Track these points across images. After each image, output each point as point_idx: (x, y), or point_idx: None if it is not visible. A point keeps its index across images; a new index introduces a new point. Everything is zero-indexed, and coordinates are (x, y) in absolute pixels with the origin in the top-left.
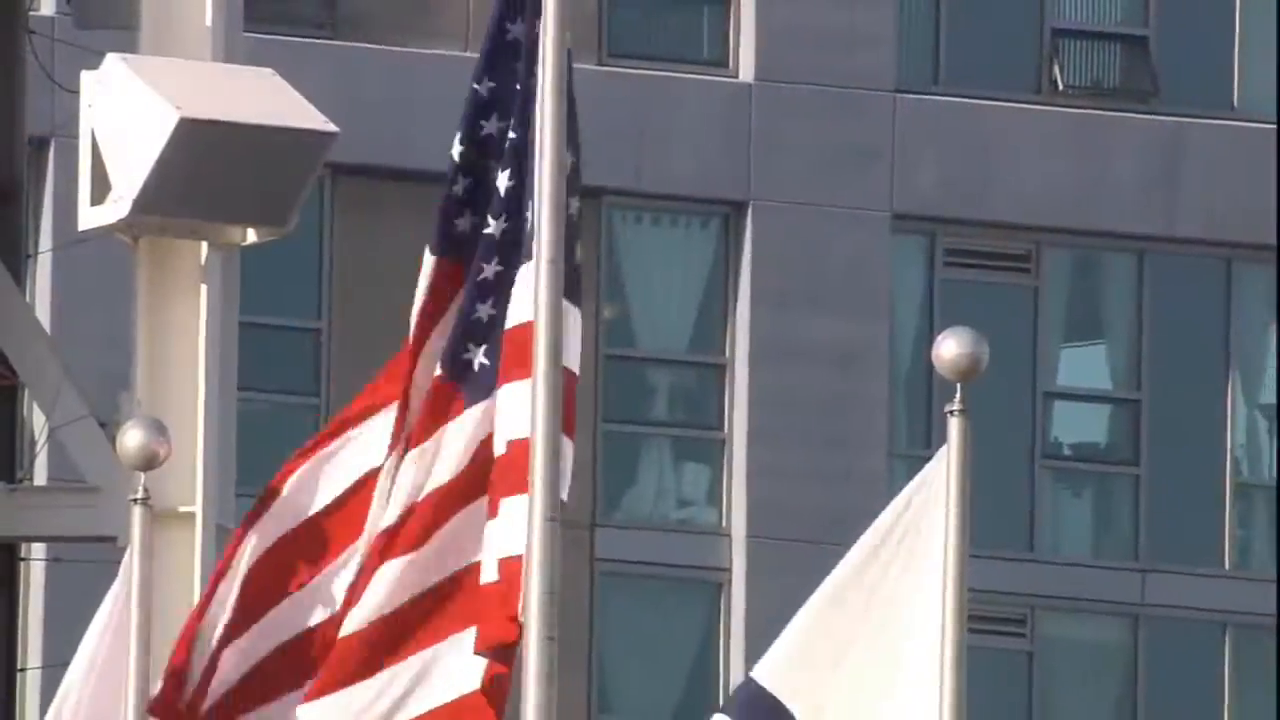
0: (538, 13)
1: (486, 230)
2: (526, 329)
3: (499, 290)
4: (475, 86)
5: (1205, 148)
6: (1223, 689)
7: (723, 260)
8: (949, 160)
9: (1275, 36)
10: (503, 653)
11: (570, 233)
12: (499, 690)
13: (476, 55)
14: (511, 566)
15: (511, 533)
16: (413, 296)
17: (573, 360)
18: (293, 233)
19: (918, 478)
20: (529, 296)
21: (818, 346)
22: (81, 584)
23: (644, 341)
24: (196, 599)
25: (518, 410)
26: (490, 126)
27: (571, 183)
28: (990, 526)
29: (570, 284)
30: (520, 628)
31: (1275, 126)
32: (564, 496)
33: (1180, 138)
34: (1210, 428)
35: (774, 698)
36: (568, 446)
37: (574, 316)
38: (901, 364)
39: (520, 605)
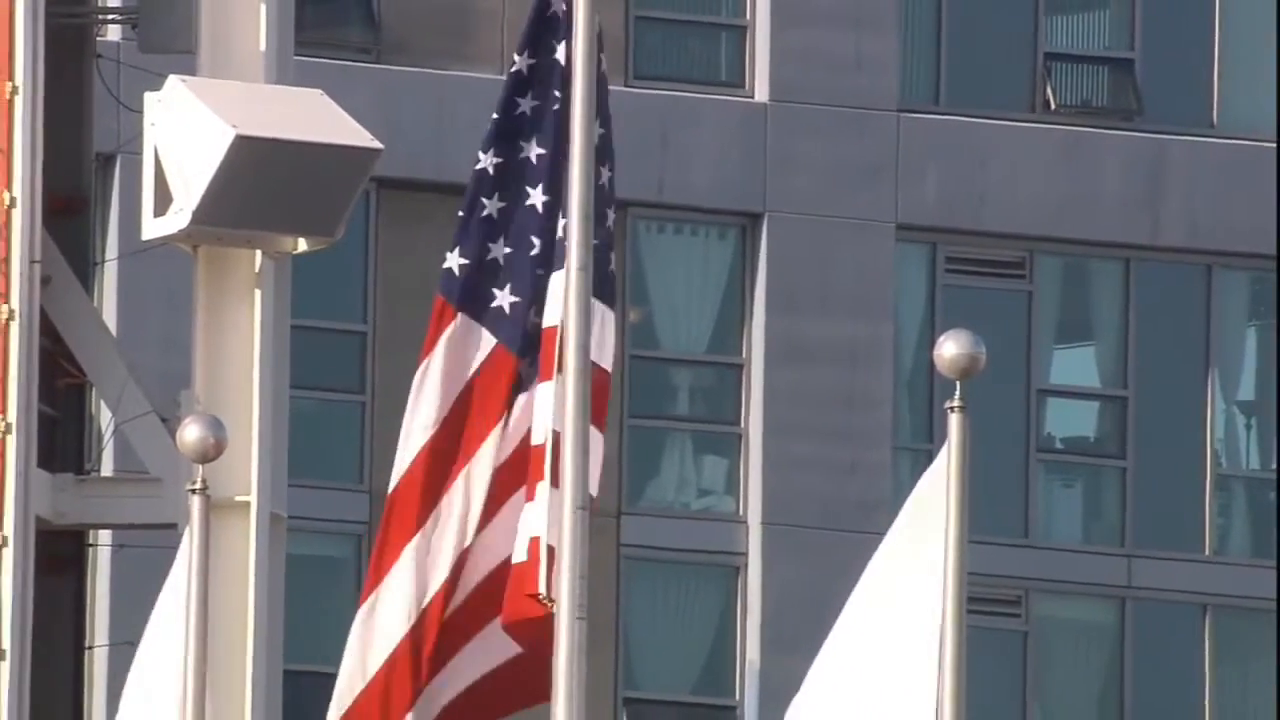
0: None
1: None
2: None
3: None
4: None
5: (1186, 163)
6: (1203, 666)
7: (739, 267)
8: (949, 174)
9: (1275, 60)
10: (525, 628)
11: (606, 241)
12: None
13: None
14: (536, 546)
15: (541, 516)
16: None
17: (606, 358)
18: (340, 242)
19: (923, 478)
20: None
21: (827, 347)
22: (144, 568)
23: (666, 343)
24: (251, 581)
25: (554, 405)
26: (529, 150)
27: (607, 195)
28: (988, 514)
29: (605, 288)
30: (541, 605)
31: (1255, 143)
32: (593, 489)
33: (1163, 153)
34: (1192, 423)
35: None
36: (597, 439)
37: (608, 318)
38: (905, 363)
39: (541, 584)
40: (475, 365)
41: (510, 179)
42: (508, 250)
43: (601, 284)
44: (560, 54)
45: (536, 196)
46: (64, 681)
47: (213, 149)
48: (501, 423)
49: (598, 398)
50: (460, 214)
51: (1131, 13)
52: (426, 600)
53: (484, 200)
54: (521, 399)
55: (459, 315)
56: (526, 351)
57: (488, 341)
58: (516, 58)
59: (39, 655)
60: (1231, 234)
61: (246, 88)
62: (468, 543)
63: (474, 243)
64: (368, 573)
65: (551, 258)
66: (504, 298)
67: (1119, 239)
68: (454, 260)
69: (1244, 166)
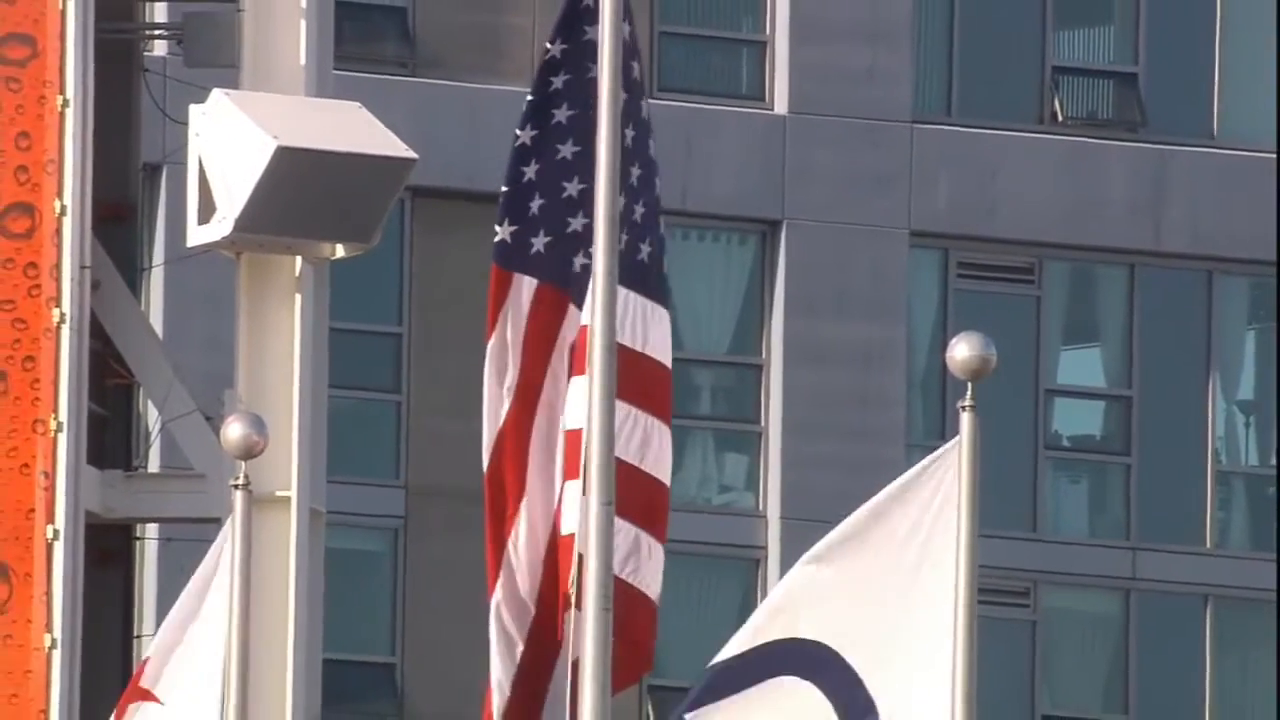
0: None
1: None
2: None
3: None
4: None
5: (1188, 172)
6: (1204, 655)
7: (759, 272)
8: (960, 183)
9: (1274, 74)
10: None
11: (635, 234)
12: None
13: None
14: (568, 543)
15: (567, 514)
16: (482, 305)
17: (660, 353)
18: (377, 248)
19: (930, 455)
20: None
21: (843, 349)
22: (190, 561)
23: (689, 344)
24: (292, 573)
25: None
26: (560, 115)
27: (636, 193)
28: (997, 509)
29: (650, 284)
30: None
31: (1254, 153)
32: (665, 479)
33: (1166, 163)
34: (1193, 421)
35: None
36: (665, 434)
37: (654, 314)
38: (918, 365)
39: (571, 580)
40: (526, 310)
41: (545, 143)
42: (541, 202)
43: (645, 280)
44: (592, 34)
45: (566, 150)
46: (112, 669)
47: (255, 159)
48: (557, 358)
49: (660, 394)
50: (504, 188)
51: (1136, 28)
52: (542, 566)
53: (523, 169)
54: (562, 385)
55: (514, 276)
56: (569, 283)
57: (530, 285)
58: (549, 45)
59: (88, 644)
60: (1231, 241)
61: (287, 101)
62: (552, 505)
63: (519, 208)
64: (487, 557)
65: (586, 205)
66: (539, 241)
67: (1123, 245)
68: (504, 231)
69: (1243, 176)
